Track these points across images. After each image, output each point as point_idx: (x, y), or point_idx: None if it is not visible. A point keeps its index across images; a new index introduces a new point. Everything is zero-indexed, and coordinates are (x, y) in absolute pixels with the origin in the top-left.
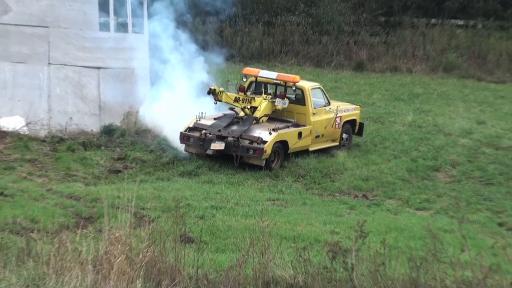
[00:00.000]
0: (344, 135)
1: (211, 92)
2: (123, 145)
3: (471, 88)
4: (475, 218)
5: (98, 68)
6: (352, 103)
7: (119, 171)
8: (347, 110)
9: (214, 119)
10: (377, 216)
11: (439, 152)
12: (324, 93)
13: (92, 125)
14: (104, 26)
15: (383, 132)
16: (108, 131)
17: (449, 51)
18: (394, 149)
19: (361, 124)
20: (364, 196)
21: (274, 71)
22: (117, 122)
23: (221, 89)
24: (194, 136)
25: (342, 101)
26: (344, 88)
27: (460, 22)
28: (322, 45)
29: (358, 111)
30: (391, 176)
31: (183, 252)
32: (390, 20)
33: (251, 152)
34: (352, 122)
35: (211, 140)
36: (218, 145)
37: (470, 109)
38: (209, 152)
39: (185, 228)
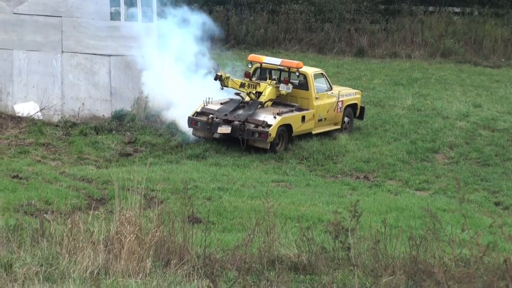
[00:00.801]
0: (346, 119)
1: (218, 78)
2: (133, 129)
3: (467, 72)
4: (473, 198)
5: (109, 55)
6: (353, 88)
7: (130, 154)
8: (349, 94)
9: (221, 104)
10: (378, 196)
11: (438, 135)
12: (326, 79)
13: (104, 111)
14: (115, 15)
15: (383, 116)
16: (119, 116)
17: (446, 37)
18: (394, 132)
19: (362, 108)
20: (365, 177)
21: (278, 57)
22: (127, 107)
23: (228, 75)
24: (202, 120)
25: (344, 86)
26: (346, 73)
27: (457, 9)
28: (324, 33)
29: (359, 96)
30: (391, 158)
31: (191, 232)
32: (390, 8)
33: (257, 135)
34: (353, 106)
35: (218, 124)
36: (225, 129)
37: (467, 93)
38: (216, 135)
39: (193, 209)
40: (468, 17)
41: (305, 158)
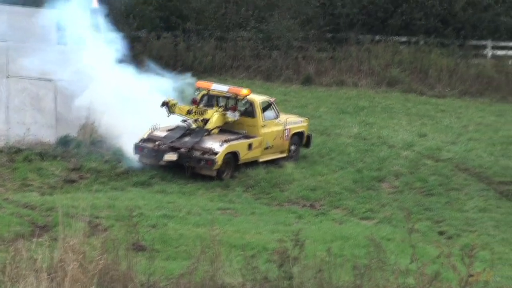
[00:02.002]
0: (293, 147)
1: (165, 104)
2: (79, 155)
3: (413, 102)
4: (417, 227)
5: (55, 81)
6: (300, 116)
7: (75, 181)
8: (296, 122)
9: (168, 130)
10: (324, 225)
11: (383, 164)
12: (274, 106)
13: (49, 136)
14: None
15: (330, 144)
16: (64, 142)
17: (392, 66)
18: (340, 160)
19: (309, 136)
20: (311, 205)
21: (225, 84)
22: (73, 133)
23: (175, 101)
24: (148, 147)
25: (291, 114)
26: (293, 101)
27: (403, 39)
28: (272, 60)
29: (306, 124)
30: (337, 186)
31: (135, 260)
32: (337, 36)
33: (203, 162)
34: (300, 134)
35: (164, 151)
36: (171, 156)
37: (412, 122)
38: (162, 162)
39: (137, 237)
40: (414, 47)
41: (251, 186)
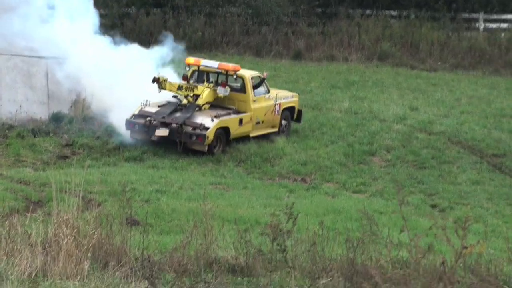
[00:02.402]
0: (283, 122)
1: (155, 80)
2: (71, 132)
3: (404, 76)
4: (409, 200)
5: (46, 58)
6: (291, 91)
7: (67, 157)
8: (286, 97)
9: (159, 106)
10: (316, 199)
11: (374, 138)
12: (264, 82)
13: (41, 113)
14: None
15: (321, 119)
16: (56, 118)
17: (383, 40)
18: (331, 134)
19: (300, 111)
20: (303, 179)
21: (215, 60)
22: (65, 109)
23: (165, 77)
24: (139, 123)
25: (281, 89)
26: (283, 76)
27: (394, 13)
28: (262, 35)
29: (297, 99)
30: (329, 161)
31: (129, 234)
32: (327, 11)
33: (194, 138)
34: (291, 109)
35: (155, 127)
36: (162, 132)
37: (404, 96)
38: (153, 138)
39: (131, 211)
40: (405, 21)
41: (243, 161)
